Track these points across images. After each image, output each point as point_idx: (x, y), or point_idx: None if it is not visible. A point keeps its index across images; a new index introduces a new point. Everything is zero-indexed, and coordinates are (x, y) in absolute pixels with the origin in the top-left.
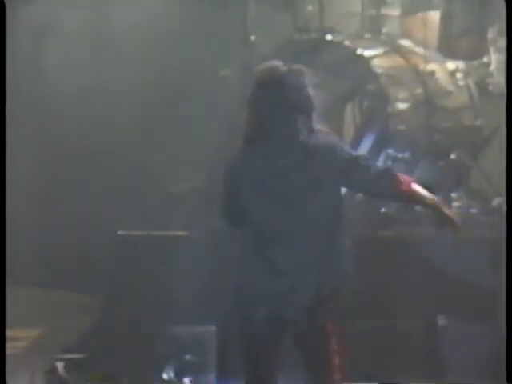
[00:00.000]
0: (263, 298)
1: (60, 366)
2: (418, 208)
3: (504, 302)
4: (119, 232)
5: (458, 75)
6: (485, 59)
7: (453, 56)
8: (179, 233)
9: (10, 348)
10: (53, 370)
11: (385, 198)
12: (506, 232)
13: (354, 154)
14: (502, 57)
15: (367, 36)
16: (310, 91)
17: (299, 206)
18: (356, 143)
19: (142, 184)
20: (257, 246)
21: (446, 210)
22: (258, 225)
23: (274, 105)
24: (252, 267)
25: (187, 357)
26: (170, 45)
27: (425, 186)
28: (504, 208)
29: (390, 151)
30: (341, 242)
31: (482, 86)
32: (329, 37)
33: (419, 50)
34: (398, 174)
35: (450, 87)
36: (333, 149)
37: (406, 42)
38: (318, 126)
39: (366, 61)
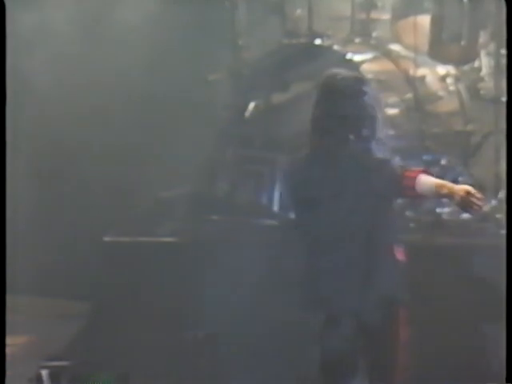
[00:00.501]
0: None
1: (45, 373)
2: (410, 214)
3: (504, 306)
4: (105, 238)
5: (449, 80)
6: (476, 64)
7: (443, 61)
8: (166, 239)
9: None
10: (37, 378)
11: (399, 198)
12: (506, 236)
13: (383, 158)
14: (493, 61)
15: (357, 40)
16: (369, 100)
17: (340, 213)
18: None
19: (130, 189)
20: (306, 250)
21: (459, 192)
22: (305, 231)
23: (330, 112)
24: (307, 273)
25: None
26: (157, 49)
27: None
28: (497, 214)
29: None
30: (380, 251)
31: (473, 91)
32: (318, 41)
33: (409, 54)
34: (405, 171)
35: (441, 92)
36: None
37: (396, 47)
38: (368, 132)
39: (355, 66)
